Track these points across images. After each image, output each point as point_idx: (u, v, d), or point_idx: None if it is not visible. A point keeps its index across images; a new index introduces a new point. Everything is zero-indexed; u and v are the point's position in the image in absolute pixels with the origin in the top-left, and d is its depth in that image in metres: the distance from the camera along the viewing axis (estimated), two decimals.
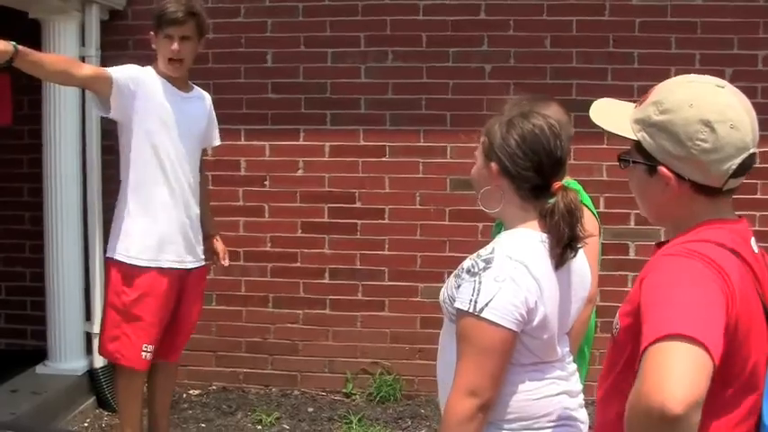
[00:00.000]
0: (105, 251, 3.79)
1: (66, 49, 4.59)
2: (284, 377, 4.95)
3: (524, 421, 2.00)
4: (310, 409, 4.71)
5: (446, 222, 4.80)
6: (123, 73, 3.51)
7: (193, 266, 3.76)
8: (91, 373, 4.71)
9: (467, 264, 1.98)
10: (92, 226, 4.67)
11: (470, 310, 1.89)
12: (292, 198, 4.87)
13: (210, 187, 4.76)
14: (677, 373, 1.34)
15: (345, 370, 4.90)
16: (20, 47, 3.12)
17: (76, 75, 3.42)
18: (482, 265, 1.93)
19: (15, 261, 5.17)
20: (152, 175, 3.61)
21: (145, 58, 4.64)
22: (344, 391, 4.88)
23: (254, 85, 4.85)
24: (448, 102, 4.78)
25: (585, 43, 4.70)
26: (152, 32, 3.63)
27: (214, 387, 4.97)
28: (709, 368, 1.36)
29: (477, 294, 1.90)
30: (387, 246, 4.85)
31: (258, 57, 4.85)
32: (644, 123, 1.63)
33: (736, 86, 4.69)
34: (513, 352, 1.95)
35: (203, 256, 3.85)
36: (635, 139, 1.64)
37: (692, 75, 1.68)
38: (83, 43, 4.67)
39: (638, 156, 1.65)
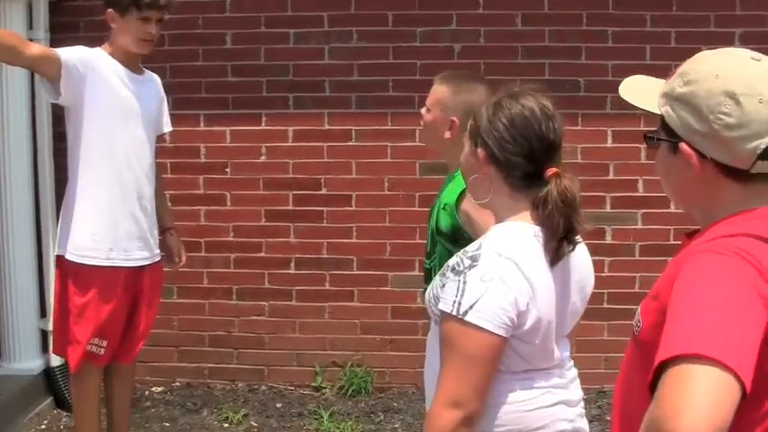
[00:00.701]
0: (56, 247, 3.62)
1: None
2: (250, 372, 4.81)
3: None
4: (279, 405, 4.59)
5: (416, 208, 4.65)
6: (72, 54, 3.35)
7: (148, 263, 3.58)
8: (47, 372, 4.55)
9: (452, 261, 1.84)
10: (44, 218, 4.51)
11: (454, 313, 1.75)
12: (255, 185, 4.72)
13: (168, 175, 4.63)
14: (698, 401, 1.19)
15: (314, 363, 4.78)
16: None
17: (24, 53, 3.25)
18: (468, 262, 1.78)
19: None
20: (103, 166, 3.43)
21: (96, 40, 4.44)
22: (314, 384, 4.77)
23: (213, 67, 4.68)
24: (416, 83, 4.59)
25: (558, 21, 4.58)
26: (111, 10, 3.44)
27: (178, 384, 4.82)
28: (736, 395, 1.22)
29: (462, 295, 1.75)
30: (354, 233, 4.72)
31: (217, 38, 4.67)
32: (668, 97, 1.48)
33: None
34: (502, 358, 1.80)
35: (159, 251, 3.68)
36: (659, 114, 1.49)
37: (730, 47, 1.54)
38: (30, 25, 4.47)
39: (663, 133, 1.50)
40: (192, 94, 4.64)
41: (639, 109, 1.54)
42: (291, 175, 4.71)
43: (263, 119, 4.70)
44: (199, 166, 4.73)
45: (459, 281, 1.77)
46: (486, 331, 1.73)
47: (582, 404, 2.02)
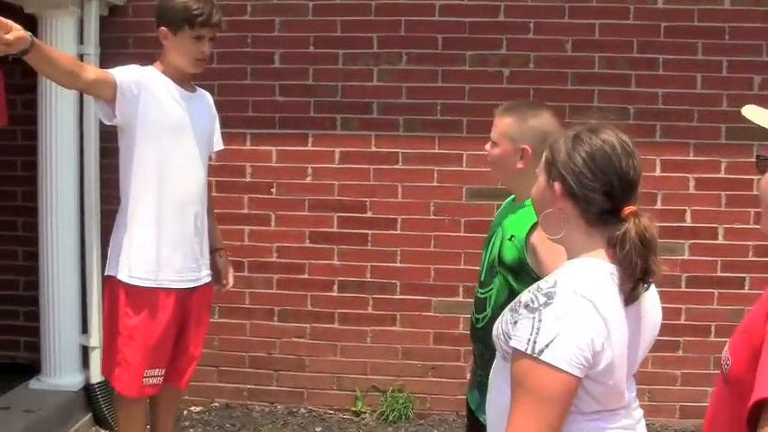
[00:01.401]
0: (104, 265, 3.61)
1: (63, 47, 4.42)
2: (290, 394, 4.82)
3: None
4: (318, 429, 4.59)
5: (461, 233, 4.68)
6: (127, 75, 3.33)
7: (200, 284, 3.56)
8: (87, 388, 4.57)
9: (525, 297, 1.80)
10: (89, 233, 4.53)
11: (528, 351, 1.71)
12: (300, 206, 4.74)
13: (213, 194, 4.64)
14: None
15: (354, 387, 4.78)
16: (35, 38, 2.96)
17: (81, 77, 3.21)
18: (542, 299, 1.74)
19: (7, 269, 4.99)
20: (156, 185, 3.41)
21: (146, 56, 4.50)
22: (353, 409, 4.77)
23: (261, 86, 4.72)
24: (464, 107, 4.66)
25: (608, 48, 4.60)
26: (164, 27, 3.42)
27: (216, 404, 4.84)
28: None
29: (537, 334, 1.71)
30: (399, 257, 4.73)
31: (265, 57, 4.72)
32: None
33: (765, 95, 4.58)
34: (575, 399, 1.76)
35: (208, 272, 3.64)
36: None
37: None
38: (81, 41, 4.51)
39: None
40: (239, 112, 4.68)
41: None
42: (337, 197, 4.73)
43: (310, 139, 4.73)
44: (244, 186, 4.75)
45: (534, 318, 1.73)
46: (562, 371, 1.70)
47: None
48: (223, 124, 4.49)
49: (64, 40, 4.47)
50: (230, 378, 4.85)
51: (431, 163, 4.69)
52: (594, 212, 1.83)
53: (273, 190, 4.76)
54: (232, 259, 4.58)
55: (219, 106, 4.54)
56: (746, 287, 4.61)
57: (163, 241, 3.42)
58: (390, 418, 4.66)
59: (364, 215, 4.73)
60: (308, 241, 4.76)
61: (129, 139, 3.42)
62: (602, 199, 1.82)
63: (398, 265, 4.74)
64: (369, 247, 4.74)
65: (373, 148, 4.71)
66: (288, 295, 4.78)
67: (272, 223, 4.77)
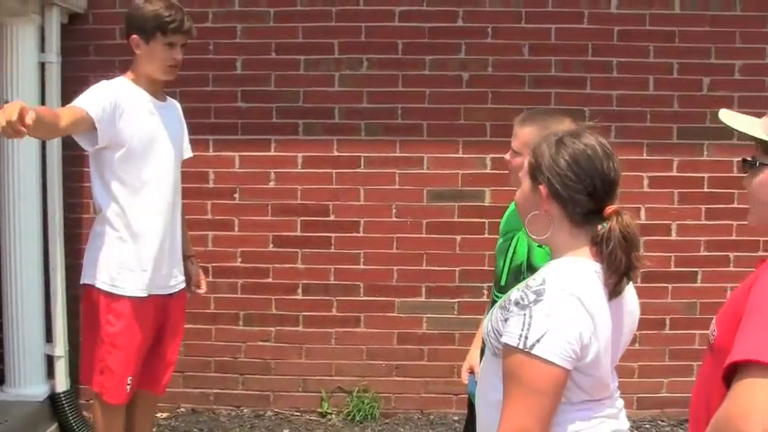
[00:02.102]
0: (69, 274, 3.67)
1: (25, 55, 4.52)
2: (256, 397, 4.93)
3: None
4: (286, 431, 4.70)
5: (423, 235, 4.84)
6: (99, 104, 3.34)
7: (177, 290, 3.67)
8: (52, 398, 4.62)
9: (515, 295, 1.91)
10: (53, 242, 4.57)
11: (520, 347, 1.83)
12: (263, 211, 4.85)
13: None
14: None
15: (320, 389, 4.90)
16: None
17: (60, 127, 3.22)
18: (532, 297, 1.86)
19: None
20: (133, 195, 3.49)
21: (106, 64, 4.62)
22: (320, 410, 4.89)
23: (223, 93, 4.82)
24: (425, 111, 4.81)
25: (564, 51, 4.78)
26: (135, 36, 3.49)
27: (183, 409, 4.92)
28: None
29: (528, 329, 1.83)
30: (362, 260, 4.86)
31: (227, 64, 4.82)
32: None
33: (713, 96, 4.82)
34: (564, 390, 1.89)
35: (182, 279, 3.74)
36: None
37: None
38: (42, 48, 4.57)
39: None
40: (201, 119, 4.75)
41: (748, 136, 1.79)
42: (300, 202, 4.84)
43: (273, 145, 4.83)
44: (207, 192, 4.84)
45: (524, 315, 1.84)
46: (553, 364, 1.81)
47: None
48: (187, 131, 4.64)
49: (25, 49, 4.52)
50: (196, 383, 4.92)
51: (392, 166, 4.83)
52: (579, 213, 1.95)
53: (237, 195, 4.85)
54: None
55: (183, 113, 4.68)
56: (699, 281, 4.84)
57: (141, 249, 3.49)
58: (357, 419, 4.78)
59: (327, 219, 4.85)
60: (271, 245, 4.86)
61: (106, 151, 3.45)
62: (586, 199, 1.93)
63: (362, 267, 4.86)
64: (332, 250, 4.85)
65: (335, 153, 4.83)
66: (252, 299, 4.88)
67: (236, 228, 4.86)
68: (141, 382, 3.60)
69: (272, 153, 4.84)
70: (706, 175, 4.82)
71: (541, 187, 1.97)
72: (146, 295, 3.49)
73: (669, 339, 4.86)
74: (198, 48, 4.76)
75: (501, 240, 2.86)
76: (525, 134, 2.68)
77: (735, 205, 4.79)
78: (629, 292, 2.04)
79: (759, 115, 1.92)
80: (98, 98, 3.36)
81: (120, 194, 3.47)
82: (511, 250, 2.74)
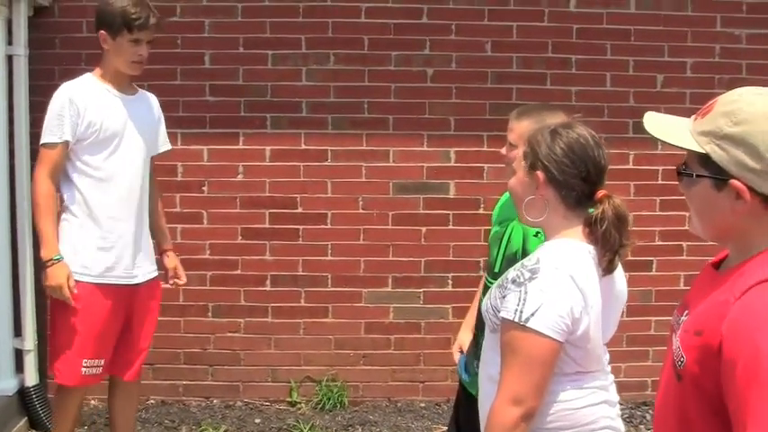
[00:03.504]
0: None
1: None
2: (226, 388, 5.13)
3: (569, 429, 2.19)
4: (257, 420, 4.92)
5: (389, 226, 5.10)
6: (67, 126, 3.66)
7: (143, 280, 3.89)
8: (21, 392, 4.75)
9: (512, 274, 2.16)
10: (21, 235, 4.71)
11: (516, 320, 2.07)
12: (232, 204, 5.06)
13: None
14: None
15: (289, 378, 5.13)
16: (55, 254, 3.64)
17: (58, 182, 3.72)
18: (528, 275, 2.11)
19: None
20: (96, 189, 3.74)
21: (73, 56, 4.81)
22: (289, 399, 5.12)
23: (192, 87, 5.00)
24: (390, 105, 5.07)
25: (525, 48, 5.09)
26: (103, 31, 3.74)
27: (152, 401, 5.10)
28: None
29: (523, 304, 2.07)
30: (330, 251, 5.11)
31: (195, 58, 5.00)
32: (714, 135, 1.66)
33: (667, 93, 5.23)
34: (557, 361, 2.13)
35: (155, 268, 3.99)
36: (701, 151, 1.68)
37: (758, 87, 1.73)
38: (9, 41, 4.69)
39: (703, 169, 1.68)
40: (169, 112, 4.81)
41: (675, 147, 1.73)
42: (268, 194, 5.05)
43: (241, 138, 5.04)
44: (175, 185, 5.01)
45: (520, 291, 2.09)
46: (546, 336, 2.06)
47: (618, 406, 2.36)
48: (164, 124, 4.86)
49: None
50: (165, 375, 5.10)
51: (359, 159, 5.07)
52: (573, 197, 2.20)
53: (205, 188, 5.04)
54: None
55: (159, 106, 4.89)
56: (654, 269, 5.23)
57: (101, 240, 3.74)
58: (326, 407, 5.02)
59: (295, 211, 5.07)
60: (240, 238, 5.07)
61: (72, 150, 3.72)
62: (581, 184, 2.19)
63: (329, 258, 5.10)
64: (300, 242, 5.08)
65: (303, 146, 5.05)
66: (221, 291, 5.08)
67: (205, 221, 5.06)
68: (112, 369, 3.87)
69: (240, 146, 5.04)
70: (660, 168, 5.19)
71: (538, 173, 2.21)
72: (104, 283, 3.72)
73: (626, 326, 5.18)
74: (166, 42, 4.93)
75: (495, 229, 3.08)
76: (522, 127, 2.86)
77: None
78: (618, 272, 2.28)
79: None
80: (60, 120, 3.67)
81: (82, 185, 3.73)
82: (506, 238, 2.96)
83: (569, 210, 2.23)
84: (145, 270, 3.92)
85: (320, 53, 5.05)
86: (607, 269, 2.19)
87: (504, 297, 2.15)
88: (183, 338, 5.11)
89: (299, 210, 5.09)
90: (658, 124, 1.83)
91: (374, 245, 5.12)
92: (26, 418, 4.78)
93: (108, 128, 3.74)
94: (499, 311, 2.16)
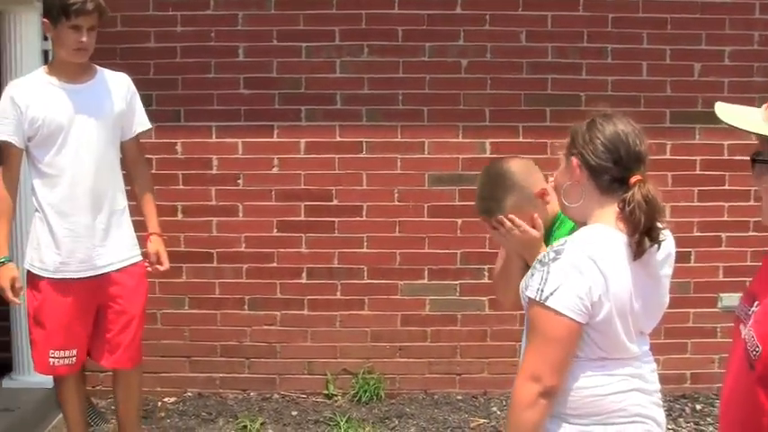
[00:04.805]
0: None
1: (28, 43, 4.82)
2: (262, 380, 5.28)
3: (596, 416, 2.27)
4: (294, 413, 5.06)
5: (425, 218, 5.23)
6: (11, 125, 3.79)
7: (112, 269, 3.97)
8: None
9: (541, 255, 2.29)
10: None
11: (537, 298, 2.20)
12: (267, 196, 5.20)
13: (180, 186, 5.17)
14: None
15: (325, 371, 5.27)
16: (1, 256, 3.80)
17: (14, 183, 3.88)
18: (552, 255, 2.22)
19: None
20: (50, 184, 3.86)
21: (107, 51, 4.92)
22: (325, 392, 5.26)
23: (226, 80, 5.14)
24: (425, 97, 5.19)
25: (560, 38, 5.18)
26: (45, 20, 3.81)
27: (189, 394, 5.26)
28: None
29: (544, 283, 2.19)
30: (365, 243, 5.24)
31: (229, 51, 5.13)
32: None
33: (704, 81, 5.34)
34: (578, 343, 2.22)
35: (132, 254, 4.05)
36: None
37: None
38: (45, 37, 4.87)
39: None
40: (204, 106, 5.10)
41: (752, 133, 1.87)
42: (303, 187, 5.19)
43: (276, 131, 5.18)
44: (211, 178, 5.17)
45: (543, 271, 2.22)
46: (563, 315, 2.17)
47: (659, 395, 2.41)
48: (188, 118, 5.05)
49: (28, 37, 4.82)
50: (202, 368, 5.26)
51: (394, 151, 5.20)
52: (606, 180, 2.30)
53: (240, 181, 5.19)
54: (200, 250, 5.13)
55: (185, 100, 5.07)
56: (692, 261, 5.34)
57: (52, 236, 3.86)
58: (363, 399, 5.15)
59: (330, 203, 5.21)
60: (275, 230, 5.22)
61: (27, 150, 3.87)
62: (613, 167, 2.28)
63: (365, 250, 5.24)
64: (336, 235, 5.22)
65: (338, 138, 5.18)
66: (257, 284, 5.22)
67: (240, 214, 5.20)
68: (96, 358, 4.06)
69: (274, 139, 5.18)
70: (698, 158, 5.26)
71: (573, 158, 2.33)
72: (61, 278, 3.86)
73: (664, 318, 5.33)
74: (199, 35, 5.14)
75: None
76: None
77: (726, 187, 5.25)
78: (665, 252, 2.36)
79: (749, 102, 2.12)
80: (1, 120, 3.80)
81: (36, 183, 3.87)
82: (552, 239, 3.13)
83: (603, 194, 2.32)
84: (115, 258, 3.99)
85: (354, 45, 5.17)
86: (637, 252, 2.25)
87: (532, 276, 2.28)
88: (220, 331, 5.27)
89: (335, 202, 5.23)
90: (730, 113, 1.94)
91: (410, 237, 5.25)
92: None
93: (52, 122, 3.80)
94: (527, 290, 2.29)
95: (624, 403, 2.31)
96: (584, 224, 2.38)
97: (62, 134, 3.82)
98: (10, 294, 3.80)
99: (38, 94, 3.82)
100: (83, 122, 3.86)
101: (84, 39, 3.78)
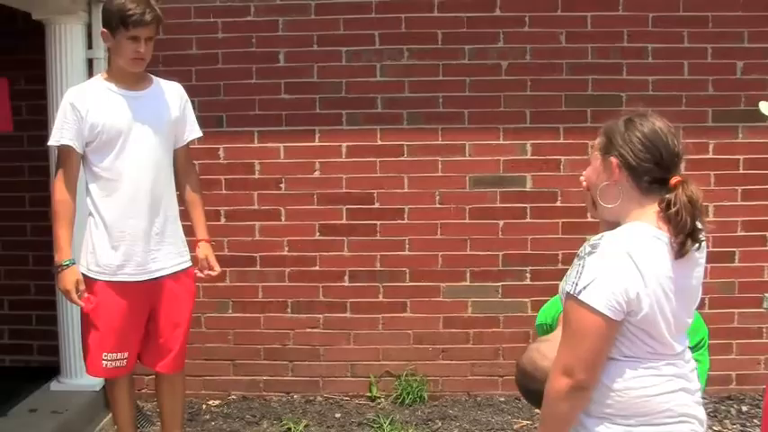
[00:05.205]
0: None
1: (72, 52, 4.94)
2: (306, 383, 5.36)
3: (642, 417, 2.27)
4: (338, 415, 5.13)
5: (466, 221, 5.27)
6: (71, 131, 3.87)
7: (164, 273, 4.05)
8: (106, 388, 5.12)
9: (579, 249, 2.28)
10: None
11: (572, 292, 2.21)
12: (309, 200, 5.29)
13: (222, 191, 5.26)
14: None
15: (368, 373, 5.33)
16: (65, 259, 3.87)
17: (74, 187, 3.93)
18: (588, 249, 2.23)
19: (18, 274, 5.48)
20: (107, 189, 3.93)
21: (152, 59, 5.13)
22: (368, 394, 5.33)
23: (267, 85, 5.23)
24: (465, 99, 5.24)
25: (600, 38, 5.21)
26: (105, 30, 3.89)
27: (233, 397, 5.36)
28: None
29: (579, 277, 2.20)
30: (407, 246, 5.30)
31: (270, 56, 5.23)
32: None
33: (747, 80, 5.35)
34: (627, 344, 2.24)
35: (183, 260, 4.13)
36: None
37: None
38: (89, 45, 5.02)
39: None
40: (245, 111, 5.20)
41: None
42: (345, 190, 5.26)
43: (317, 135, 5.26)
44: (253, 182, 5.26)
45: (579, 264, 2.23)
46: (595, 310, 2.17)
47: (699, 394, 2.42)
48: (230, 123, 5.13)
49: (73, 46, 4.93)
50: (246, 371, 5.35)
51: (435, 154, 5.25)
52: (646, 181, 2.30)
53: (282, 185, 5.27)
54: (243, 254, 5.21)
55: (226, 105, 5.16)
56: (736, 261, 5.34)
57: (110, 239, 3.92)
58: (406, 401, 5.21)
59: (372, 206, 5.27)
60: (318, 234, 5.29)
61: (84, 154, 3.94)
62: (654, 168, 2.29)
63: (407, 253, 5.29)
64: (377, 238, 5.29)
65: (379, 142, 5.25)
66: (300, 287, 5.30)
67: (283, 218, 5.29)
68: (145, 362, 4.14)
69: (316, 143, 5.26)
70: (741, 157, 5.25)
71: (612, 158, 2.33)
72: (116, 280, 3.93)
73: (709, 319, 5.29)
74: (240, 41, 5.23)
75: None
76: None
77: None
78: (699, 259, 2.34)
79: None
80: (62, 125, 3.88)
81: (93, 187, 3.94)
82: None
83: (643, 195, 2.33)
84: (168, 263, 4.07)
85: (394, 48, 5.24)
86: (679, 252, 2.26)
87: (570, 270, 2.30)
88: (263, 334, 5.36)
89: (376, 205, 5.30)
90: None
91: (451, 239, 5.30)
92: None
93: (112, 127, 3.88)
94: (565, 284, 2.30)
95: (671, 404, 2.32)
96: (616, 224, 2.38)
97: (121, 139, 3.91)
98: (75, 296, 3.87)
99: (98, 99, 3.92)
100: (141, 128, 3.96)
101: (142, 49, 3.88)
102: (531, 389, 2.71)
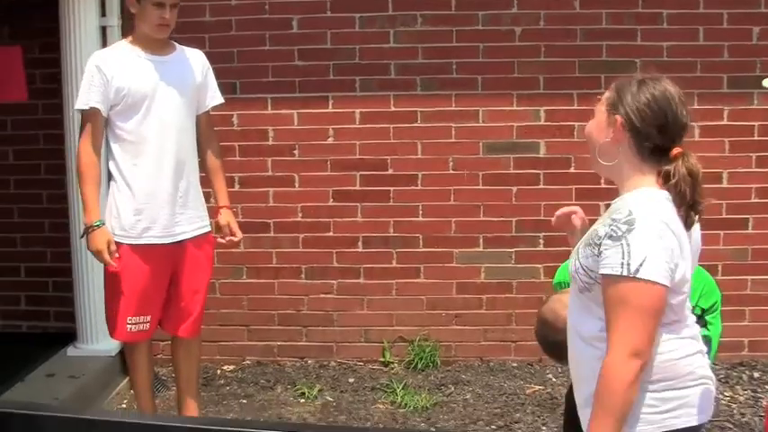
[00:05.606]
0: None
1: (86, 20, 4.98)
2: (319, 348, 5.44)
3: (668, 381, 2.29)
4: (351, 380, 5.22)
5: (480, 187, 5.32)
6: (98, 93, 3.93)
7: (187, 237, 4.12)
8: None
9: (602, 230, 2.24)
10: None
11: (624, 273, 2.16)
12: (323, 167, 5.34)
13: (236, 158, 5.32)
14: None
15: (382, 339, 5.41)
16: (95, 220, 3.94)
17: (100, 150, 4.00)
18: (624, 228, 2.20)
19: (35, 241, 5.57)
20: (131, 153, 3.99)
21: None
22: (382, 360, 5.41)
23: (280, 52, 5.27)
24: (479, 65, 5.27)
25: (615, 4, 5.20)
26: None
27: (248, 362, 5.44)
28: None
29: (629, 257, 2.17)
30: (420, 212, 5.35)
31: (283, 23, 5.26)
32: None
33: (763, 46, 5.37)
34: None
35: (203, 224, 4.20)
36: None
37: None
38: (103, 13, 5.06)
39: None
40: (259, 78, 5.23)
41: None
42: (358, 157, 5.31)
43: (330, 101, 5.30)
44: (267, 149, 5.32)
45: (621, 245, 2.18)
46: (658, 284, 2.17)
47: (707, 356, 2.45)
48: (244, 90, 5.18)
49: (86, 14, 4.97)
50: (260, 336, 5.44)
51: (448, 120, 5.28)
52: (647, 147, 2.29)
53: (296, 152, 5.32)
54: (257, 221, 5.28)
55: (239, 72, 5.18)
56: (750, 228, 5.37)
57: (135, 202, 3.99)
58: (419, 366, 5.28)
59: (385, 173, 5.32)
60: (331, 200, 5.35)
61: (108, 118, 4.00)
62: (657, 135, 2.28)
63: (420, 219, 5.35)
64: (391, 204, 5.34)
65: (392, 108, 5.28)
66: (314, 253, 5.37)
67: (296, 184, 5.34)
68: (165, 325, 4.20)
69: (329, 110, 5.30)
70: (756, 124, 5.25)
71: (618, 117, 2.32)
72: (142, 243, 3.99)
73: (722, 285, 5.36)
74: (253, 8, 5.25)
75: None
76: None
77: None
78: (697, 230, 2.39)
79: None
80: (95, 89, 3.93)
81: (117, 150, 3.99)
82: None
83: (643, 161, 2.33)
84: (190, 227, 4.14)
85: (407, 15, 5.26)
86: (686, 224, 2.30)
87: (599, 254, 2.25)
88: (277, 300, 5.44)
89: (390, 171, 5.35)
90: None
91: (465, 205, 5.35)
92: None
93: (137, 91, 3.95)
94: (592, 270, 2.27)
95: (693, 365, 2.35)
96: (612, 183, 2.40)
97: (146, 102, 3.98)
98: (107, 256, 3.92)
99: (124, 63, 3.98)
100: (167, 92, 4.03)
101: (167, 15, 3.97)
102: (551, 340, 2.75)
